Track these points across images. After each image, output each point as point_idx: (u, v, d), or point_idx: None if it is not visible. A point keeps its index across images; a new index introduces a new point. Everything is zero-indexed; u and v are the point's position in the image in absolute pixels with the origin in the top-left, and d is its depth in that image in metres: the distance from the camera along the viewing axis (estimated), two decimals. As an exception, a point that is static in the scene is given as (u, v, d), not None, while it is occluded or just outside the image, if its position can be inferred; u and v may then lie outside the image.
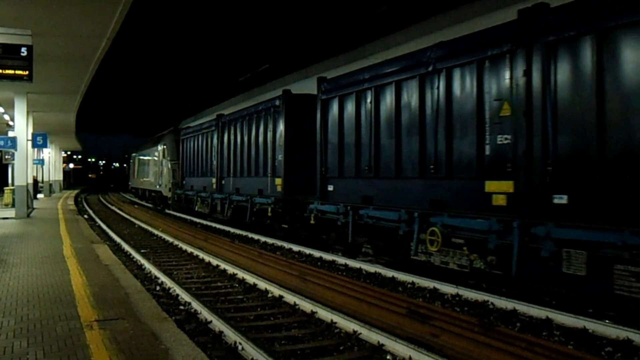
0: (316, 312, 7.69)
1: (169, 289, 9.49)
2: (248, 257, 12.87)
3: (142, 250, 14.34)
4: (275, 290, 9.04)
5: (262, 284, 9.57)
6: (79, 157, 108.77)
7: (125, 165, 72.44)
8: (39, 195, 36.88)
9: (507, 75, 8.73)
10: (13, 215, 20.73)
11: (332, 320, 7.28)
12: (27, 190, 22.48)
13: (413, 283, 9.77)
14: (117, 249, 14.56)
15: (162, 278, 10.30)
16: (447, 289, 9.08)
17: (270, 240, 15.71)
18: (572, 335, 6.79)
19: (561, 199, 7.87)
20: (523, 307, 7.78)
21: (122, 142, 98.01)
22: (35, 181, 34.36)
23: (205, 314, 7.54)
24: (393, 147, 11.25)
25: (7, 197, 26.90)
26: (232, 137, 20.44)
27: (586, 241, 7.32)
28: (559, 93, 7.97)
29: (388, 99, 11.50)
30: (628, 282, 6.93)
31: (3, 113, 26.14)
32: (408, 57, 11.22)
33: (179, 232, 18.56)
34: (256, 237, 16.71)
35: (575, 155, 7.71)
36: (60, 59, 16.09)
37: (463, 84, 9.63)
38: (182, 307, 8.26)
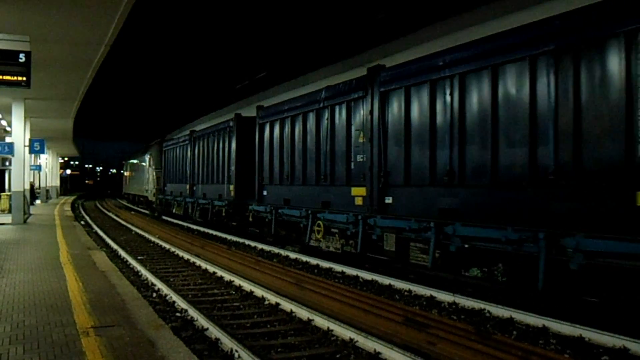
0: (313, 320, 7.68)
1: (166, 295, 9.47)
2: (245, 264, 12.85)
3: (139, 257, 14.32)
4: (272, 298, 9.03)
5: (259, 291, 9.56)
6: (76, 163, 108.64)
7: (122, 171, 72.95)
8: (36, 202, 36.80)
9: (362, 112, 12.36)
10: (10, 221, 20.70)
11: (328, 327, 7.27)
12: (24, 196, 22.43)
13: (410, 291, 9.76)
14: (113, 256, 14.54)
15: (159, 285, 10.28)
16: (444, 296, 9.08)
17: (267, 248, 15.71)
18: (569, 344, 6.79)
19: (389, 200, 11.54)
20: (519, 316, 7.78)
21: (120, 148, 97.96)
22: (32, 187, 34.31)
23: (201, 321, 7.53)
24: (299, 163, 14.93)
25: (4, 203, 26.84)
26: (201, 150, 24.12)
27: (395, 227, 10.91)
28: (388, 126, 11.53)
29: (298, 126, 15.07)
30: (416, 254, 10.64)
31: (0, 119, 26.14)
32: (310, 95, 14.93)
33: (175, 239, 18.53)
34: (253, 244, 16.70)
35: (395, 169, 11.30)
36: (58, 65, 16.10)
37: (340, 117, 13.18)
38: (178, 314, 8.24)
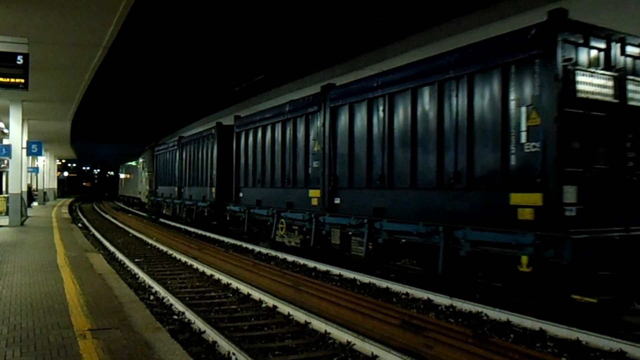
0: (310, 323, 7.68)
1: (163, 298, 9.46)
2: (242, 266, 12.85)
3: (136, 260, 14.30)
4: (269, 300, 9.03)
5: (256, 294, 9.55)
6: (74, 165, 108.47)
7: (118, 174, 73.39)
8: (33, 204, 36.75)
9: (317, 124, 14.12)
10: (7, 224, 20.65)
11: (326, 330, 7.27)
12: (21, 198, 22.40)
13: (407, 294, 9.77)
14: (111, 258, 14.52)
15: (156, 287, 10.27)
16: (441, 299, 9.09)
17: (264, 250, 15.71)
18: (566, 347, 6.80)
19: (337, 200, 13.26)
20: (517, 319, 7.79)
21: (117, 150, 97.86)
22: (30, 189, 34.25)
23: (199, 323, 7.53)
24: (269, 167, 16.77)
25: (1, 205, 26.78)
26: (188, 155, 25.88)
27: (339, 224, 12.75)
28: (337, 137, 13.23)
29: (268, 135, 16.95)
30: (355, 246, 12.29)
31: (-2, 121, 26.12)
32: (277, 108, 16.86)
33: (173, 242, 18.51)
34: (250, 246, 16.70)
35: (342, 174, 13.06)
36: (56, 67, 16.11)
37: (300, 128, 15.00)
38: (175, 317, 8.23)
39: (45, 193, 44.89)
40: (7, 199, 22.97)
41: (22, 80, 11.54)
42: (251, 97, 34.93)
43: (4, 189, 30.68)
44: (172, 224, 27.12)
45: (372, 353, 6.32)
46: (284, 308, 8.50)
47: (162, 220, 29.92)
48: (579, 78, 8.23)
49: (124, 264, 13.58)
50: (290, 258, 14.14)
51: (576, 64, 8.25)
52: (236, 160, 19.37)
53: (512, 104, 8.72)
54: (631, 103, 8.78)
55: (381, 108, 11.68)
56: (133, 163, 45.56)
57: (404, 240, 10.81)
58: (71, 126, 32.66)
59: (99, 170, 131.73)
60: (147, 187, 36.55)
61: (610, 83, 8.55)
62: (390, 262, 11.83)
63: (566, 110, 8.04)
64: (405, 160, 10.93)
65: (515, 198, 8.55)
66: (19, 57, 11.50)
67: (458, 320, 8.13)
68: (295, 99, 16.06)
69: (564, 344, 6.89)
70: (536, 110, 8.34)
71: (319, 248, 13.82)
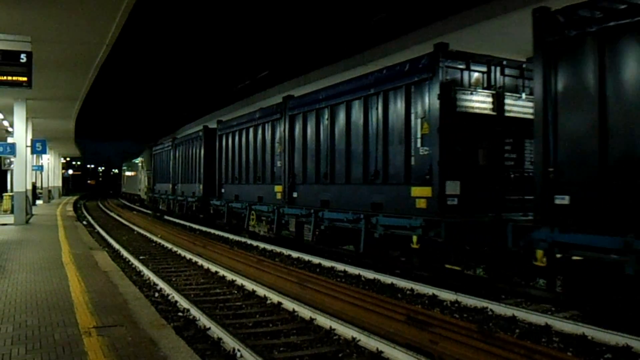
0: (315, 319, 7.68)
1: (168, 295, 9.48)
2: (247, 263, 12.85)
3: (141, 257, 14.33)
4: (274, 297, 9.03)
5: (261, 291, 9.56)
6: (78, 163, 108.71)
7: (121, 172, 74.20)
8: (38, 202, 36.83)
9: (280, 130, 16.65)
10: (12, 222, 20.70)
11: (331, 326, 7.27)
12: (26, 197, 22.44)
13: (412, 289, 9.76)
14: (115, 256, 14.55)
15: (161, 284, 10.29)
16: (446, 295, 9.07)
17: (269, 247, 15.72)
18: (572, 342, 6.79)
19: (295, 194, 15.65)
20: (522, 314, 7.78)
21: (121, 148, 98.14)
22: (34, 187, 34.33)
23: (204, 320, 7.53)
24: (244, 166, 19.54)
25: (6, 203, 26.86)
26: (180, 154, 28.71)
27: (294, 214, 15.31)
28: (295, 140, 15.65)
29: (243, 138, 19.64)
30: (307, 233, 14.70)
31: (2, 119, 26.13)
32: (249, 114, 19.75)
33: (177, 239, 18.54)
34: (255, 243, 16.72)
35: (298, 172, 15.51)
36: (59, 65, 16.10)
37: (267, 133, 17.68)
38: (180, 314, 8.24)
39: (50, 191, 44.97)
40: (12, 197, 23.01)
41: (26, 79, 11.52)
42: (235, 102, 39.26)
43: (8, 187, 30.73)
44: (177, 221, 27.18)
45: (377, 349, 6.31)
46: (289, 304, 8.50)
47: (166, 217, 29.98)
48: (459, 96, 10.39)
49: (129, 261, 13.61)
50: (295, 254, 14.14)
51: (457, 84, 10.42)
52: (219, 160, 22.12)
53: (412, 117, 10.98)
54: (508, 114, 10.86)
55: (326, 117, 14.07)
56: (134, 162, 49.34)
57: (340, 226, 13.22)
58: (75, 124, 32.67)
59: (103, 168, 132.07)
60: (146, 185, 39.51)
61: (490, 99, 10.74)
62: (333, 246, 14.41)
63: (446, 121, 10.20)
64: (343, 160, 13.37)
65: (415, 191, 10.82)
66: (23, 56, 11.49)
67: (463, 316, 8.12)
68: (264, 107, 19.31)
69: (569, 339, 6.88)
70: (426, 121, 10.57)
71: (281, 235, 16.45)
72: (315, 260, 13.09)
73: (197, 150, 25.07)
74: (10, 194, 24.98)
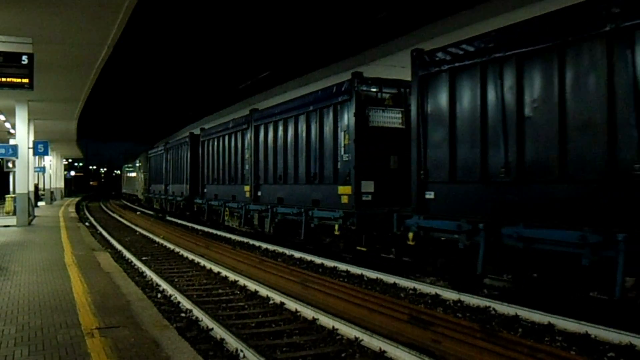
0: (318, 319, 7.67)
1: (170, 296, 9.48)
2: (249, 264, 12.85)
3: (144, 258, 14.32)
4: (277, 297, 9.03)
5: (264, 291, 9.56)
6: (81, 164, 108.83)
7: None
8: (40, 203, 36.88)
9: (248, 138, 19.26)
10: (14, 223, 20.74)
11: (333, 327, 7.26)
12: (29, 198, 22.49)
13: (415, 289, 9.75)
14: (118, 257, 14.55)
15: (164, 285, 10.29)
16: (449, 294, 9.07)
17: (271, 247, 15.73)
18: (575, 341, 6.77)
19: (259, 193, 18.26)
20: (525, 313, 7.77)
21: (124, 149, 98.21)
22: (37, 189, 34.38)
23: (206, 321, 7.53)
24: (221, 169, 22.40)
25: (9, 204, 26.89)
26: (171, 158, 31.52)
27: (257, 209, 17.98)
28: (259, 147, 18.21)
29: (220, 144, 22.39)
30: (266, 225, 17.21)
31: (4, 121, 26.20)
32: (224, 124, 22.96)
33: (180, 240, 18.53)
34: (257, 243, 16.72)
35: (262, 173, 17.99)
36: (61, 66, 16.13)
37: (238, 140, 20.44)
38: (183, 315, 8.24)
39: (52, 192, 45.04)
40: (14, 198, 23.04)
41: (27, 80, 11.55)
42: (220, 109, 43.31)
43: (11, 189, 30.78)
44: (179, 222, 27.22)
45: (380, 349, 6.30)
46: (292, 304, 8.50)
47: (169, 218, 30.03)
48: (372, 113, 12.91)
49: (131, 262, 13.62)
50: (297, 255, 14.14)
51: (371, 103, 12.93)
52: (201, 163, 25.04)
53: (339, 130, 13.39)
54: None
55: (280, 128, 16.64)
56: (132, 164, 54.09)
57: (289, 219, 15.69)
58: (77, 125, 32.74)
59: (105, 169, 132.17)
60: (143, 186, 43.11)
61: (399, 115, 13.16)
62: (287, 236, 16.38)
63: (361, 134, 12.70)
64: (292, 164, 15.79)
65: (340, 189, 13.24)
66: (24, 57, 11.52)
67: (466, 315, 8.11)
68: (236, 117, 22.07)
69: (572, 338, 6.86)
70: (347, 134, 13.03)
71: (247, 228, 19.30)
72: (318, 260, 13.09)
73: (185, 154, 27.87)
74: (13, 195, 25.00)
